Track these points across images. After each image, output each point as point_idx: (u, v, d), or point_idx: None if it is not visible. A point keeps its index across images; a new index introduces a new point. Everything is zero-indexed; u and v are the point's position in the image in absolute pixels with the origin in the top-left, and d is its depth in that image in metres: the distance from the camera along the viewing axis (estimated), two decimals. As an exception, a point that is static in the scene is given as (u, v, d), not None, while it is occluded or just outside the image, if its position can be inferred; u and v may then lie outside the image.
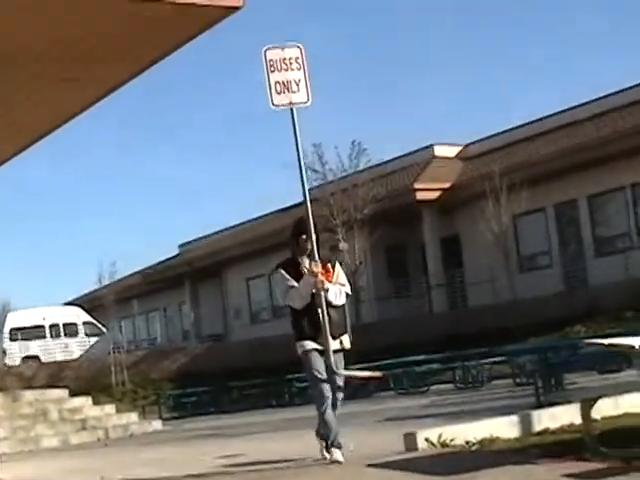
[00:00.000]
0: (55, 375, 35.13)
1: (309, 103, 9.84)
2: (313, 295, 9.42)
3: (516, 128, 38.77)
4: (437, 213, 37.44)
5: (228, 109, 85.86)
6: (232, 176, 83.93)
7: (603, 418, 9.90)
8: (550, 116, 37.52)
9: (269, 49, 9.80)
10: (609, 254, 33.29)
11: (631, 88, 34.98)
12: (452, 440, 9.68)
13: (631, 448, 8.32)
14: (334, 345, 9.54)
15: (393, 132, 74.13)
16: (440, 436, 9.71)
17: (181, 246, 51.46)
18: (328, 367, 9.45)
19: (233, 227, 47.35)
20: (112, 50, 13.81)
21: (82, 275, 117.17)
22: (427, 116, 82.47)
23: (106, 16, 12.18)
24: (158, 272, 50.50)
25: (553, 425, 10.77)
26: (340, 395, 9.67)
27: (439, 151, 40.70)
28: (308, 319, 9.51)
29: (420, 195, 36.45)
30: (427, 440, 9.71)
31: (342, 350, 9.76)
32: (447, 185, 36.67)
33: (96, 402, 23.09)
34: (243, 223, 46.47)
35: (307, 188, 9.98)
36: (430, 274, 37.92)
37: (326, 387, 9.43)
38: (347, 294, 9.85)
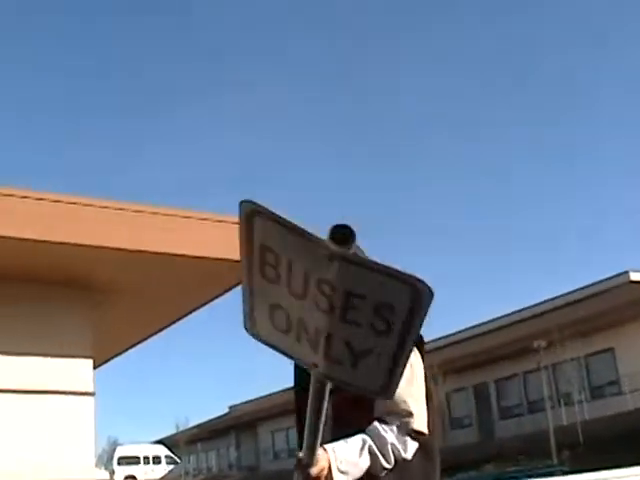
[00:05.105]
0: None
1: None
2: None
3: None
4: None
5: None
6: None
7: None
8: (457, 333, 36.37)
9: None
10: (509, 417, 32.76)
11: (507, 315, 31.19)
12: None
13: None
14: None
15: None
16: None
17: (230, 407, 50.56)
18: None
19: (262, 397, 46.54)
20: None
21: (164, 421, 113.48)
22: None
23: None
24: (213, 424, 49.54)
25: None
26: None
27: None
28: None
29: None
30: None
31: None
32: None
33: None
34: (270, 395, 45.74)
35: None
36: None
37: None
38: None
